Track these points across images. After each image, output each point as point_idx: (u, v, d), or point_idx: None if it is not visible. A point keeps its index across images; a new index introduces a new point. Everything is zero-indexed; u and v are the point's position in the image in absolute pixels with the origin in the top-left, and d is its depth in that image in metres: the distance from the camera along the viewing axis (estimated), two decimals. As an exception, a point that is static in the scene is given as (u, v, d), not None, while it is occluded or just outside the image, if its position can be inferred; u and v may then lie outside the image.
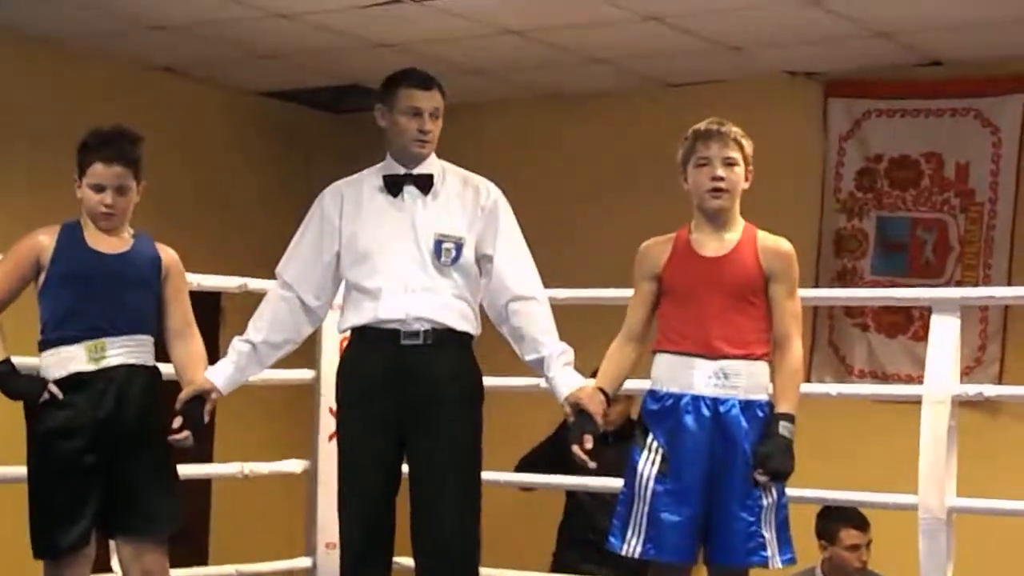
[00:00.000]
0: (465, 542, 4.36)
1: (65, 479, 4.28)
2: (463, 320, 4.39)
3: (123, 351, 4.33)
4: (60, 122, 6.74)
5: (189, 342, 4.48)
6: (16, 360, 4.34)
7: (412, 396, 4.31)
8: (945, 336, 5.06)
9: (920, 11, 6.58)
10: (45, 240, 4.34)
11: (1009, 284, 6.98)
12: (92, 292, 4.30)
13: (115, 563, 4.67)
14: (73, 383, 4.28)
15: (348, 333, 4.49)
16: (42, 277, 4.33)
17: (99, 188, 4.35)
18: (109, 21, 7.11)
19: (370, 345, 4.38)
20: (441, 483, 4.32)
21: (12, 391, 4.30)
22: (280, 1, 6.80)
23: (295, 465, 5.81)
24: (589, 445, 4.23)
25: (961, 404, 5.10)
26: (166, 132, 7.26)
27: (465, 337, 4.40)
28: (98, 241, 4.35)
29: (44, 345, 4.34)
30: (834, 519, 6.19)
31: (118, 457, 4.30)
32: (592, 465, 4.24)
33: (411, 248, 4.37)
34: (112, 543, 4.50)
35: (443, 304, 4.36)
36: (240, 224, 8.06)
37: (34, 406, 4.28)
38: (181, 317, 4.48)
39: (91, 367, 4.29)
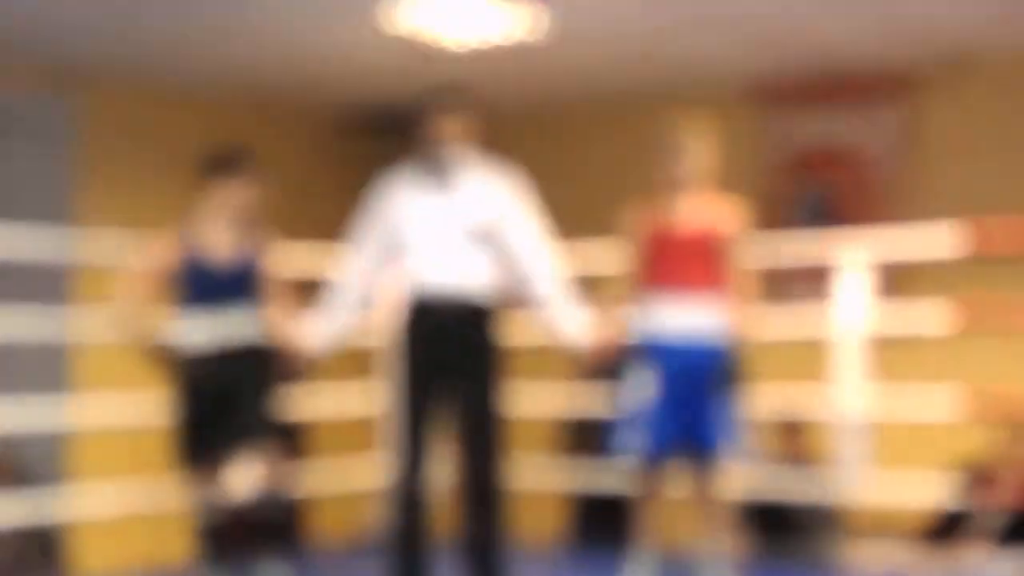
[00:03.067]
0: (495, 460, 4.37)
1: (193, 422, 4.39)
2: (489, 287, 4.37)
3: (239, 326, 4.41)
4: (177, 153, 6.75)
5: (285, 316, 4.51)
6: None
7: (447, 350, 4.31)
8: (855, 286, 5.08)
9: (826, 36, 6.59)
10: (173, 251, 4.41)
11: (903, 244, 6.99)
12: (213, 294, 4.39)
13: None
14: (201, 350, 4.38)
15: (400, 302, 4.48)
16: (173, 280, 4.43)
17: (246, 192, 4.49)
18: (214, 71, 7.14)
19: (415, 314, 4.37)
20: (474, 420, 4.35)
21: (160, 366, 4.41)
22: (341, 49, 6.83)
23: (367, 407, 5.83)
24: (599, 378, 4.27)
25: (868, 339, 5.11)
26: (258, 154, 7.29)
27: (491, 305, 4.37)
28: (212, 248, 4.42)
29: (179, 322, 4.43)
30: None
31: (234, 406, 4.38)
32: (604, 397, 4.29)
33: (446, 230, 4.35)
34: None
35: (472, 275, 4.34)
36: (315, 220, 8.03)
37: (178, 377, 4.37)
38: (277, 297, 4.52)
39: (215, 339, 4.36)
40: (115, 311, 4.35)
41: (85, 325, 5.70)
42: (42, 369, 6.95)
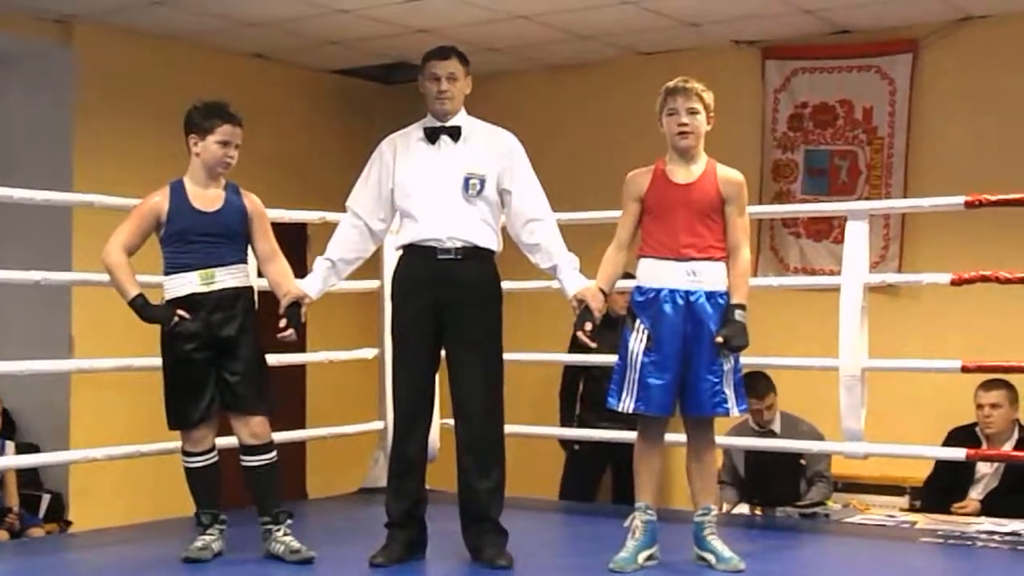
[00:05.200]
0: (491, 406, 4.31)
1: (185, 372, 4.29)
2: (486, 239, 4.32)
3: (227, 276, 4.31)
4: (174, 101, 6.70)
5: (277, 264, 4.44)
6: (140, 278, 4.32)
7: (447, 297, 4.26)
8: (857, 238, 5.05)
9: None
10: (161, 203, 4.31)
11: (904, 197, 6.95)
12: (200, 242, 4.29)
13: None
14: (190, 300, 4.27)
15: (400, 250, 4.43)
16: (162, 232, 4.32)
17: (225, 144, 4.33)
18: (213, 20, 7.06)
19: (415, 258, 4.32)
20: (470, 364, 4.28)
21: (148, 317, 4.29)
22: (341, 1, 6.73)
23: (367, 352, 5.82)
24: (590, 330, 4.21)
25: (870, 289, 5.09)
26: (260, 103, 7.21)
27: (488, 251, 4.33)
28: (199, 200, 4.32)
29: (168, 273, 4.33)
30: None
31: (225, 355, 4.30)
32: (593, 346, 4.22)
33: (445, 183, 4.30)
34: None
35: (470, 226, 4.29)
36: (318, 171, 8.03)
37: (166, 328, 4.27)
38: (267, 247, 4.45)
39: (203, 289, 4.28)
40: (109, 266, 4.27)
41: (83, 267, 5.67)
42: (45, 311, 6.94)
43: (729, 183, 4.21)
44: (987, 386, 5.93)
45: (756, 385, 6.03)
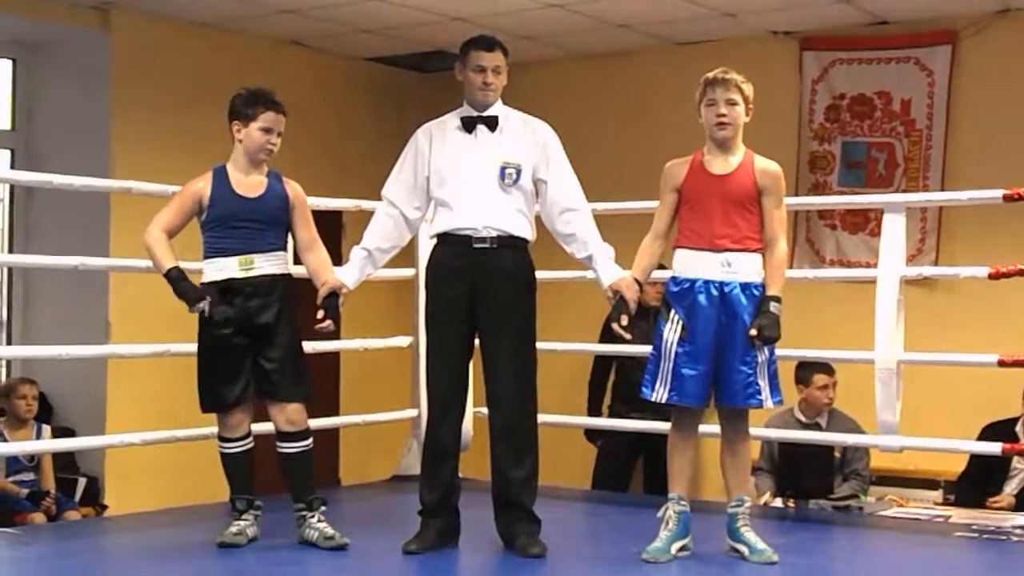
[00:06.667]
0: (524, 395, 4.33)
1: (221, 356, 4.33)
2: (521, 228, 4.34)
3: (266, 263, 4.34)
4: (212, 88, 6.72)
5: (317, 253, 4.47)
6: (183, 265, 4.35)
7: (481, 286, 4.28)
8: (894, 231, 5.03)
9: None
10: (204, 188, 4.35)
11: (942, 190, 6.91)
12: (241, 228, 4.33)
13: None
14: (227, 285, 4.31)
15: (435, 239, 4.45)
16: (204, 216, 4.36)
17: (268, 131, 4.37)
18: (249, 7, 7.08)
19: (450, 247, 4.35)
20: (504, 353, 4.30)
21: (180, 291, 4.29)
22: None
23: (402, 340, 5.84)
24: (626, 322, 4.22)
25: (907, 282, 5.07)
26: (296, 90, 7.21)
27: (522, 241, 4.35)
28: (241, 186, 4.36)
29: (208, 257, 4.37)
30: (807, 367, 6.15)
31: (261, 342, 4.33)
32: (628, 337, 4.23)
33: (481, 172, 4.32)
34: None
35: (506, 216, 4.31)
36: (354, 159, 8.05)
37: (190, 308, 4.30)
38: (307, 235, 4.48)
39: (242, 274, 4.31)
40: (148, 243, 4.31)
41: (122, 253, 5.72)
42: (82, 296, 7.00)
43: (766, 174, 4.21)
44: None
45: (827, 365, 6.11)
